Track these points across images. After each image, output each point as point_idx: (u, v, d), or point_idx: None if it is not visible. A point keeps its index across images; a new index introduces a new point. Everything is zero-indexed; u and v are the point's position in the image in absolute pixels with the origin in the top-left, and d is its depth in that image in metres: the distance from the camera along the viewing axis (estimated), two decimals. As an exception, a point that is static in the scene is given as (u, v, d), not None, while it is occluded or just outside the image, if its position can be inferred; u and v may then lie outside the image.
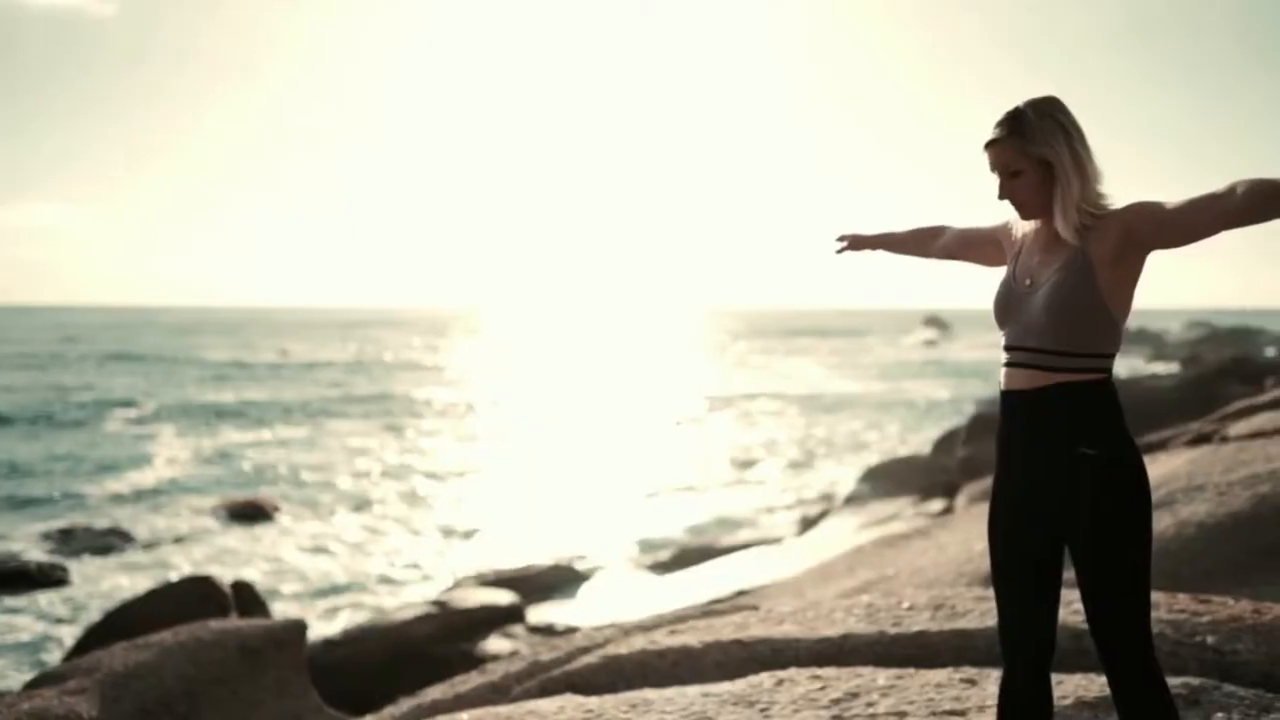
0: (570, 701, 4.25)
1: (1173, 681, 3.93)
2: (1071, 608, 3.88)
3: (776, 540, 19.89)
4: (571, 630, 13.89)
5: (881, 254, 3.46)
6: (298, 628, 5.55)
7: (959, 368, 76.41)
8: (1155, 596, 4.67)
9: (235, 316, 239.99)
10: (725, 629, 4.84)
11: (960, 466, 21.70)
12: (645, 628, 5.46)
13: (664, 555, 19.51)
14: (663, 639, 4.83)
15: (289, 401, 51.87)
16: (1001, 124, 2.77)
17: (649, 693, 4.21)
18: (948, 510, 17.94)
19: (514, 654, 11.45)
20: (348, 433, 40.67)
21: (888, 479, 22.97)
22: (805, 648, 4.50)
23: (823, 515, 21.67)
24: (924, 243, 3.35)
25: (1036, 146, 2.71)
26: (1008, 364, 2.83)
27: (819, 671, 4.18)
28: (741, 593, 13.84)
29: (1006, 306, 2.86)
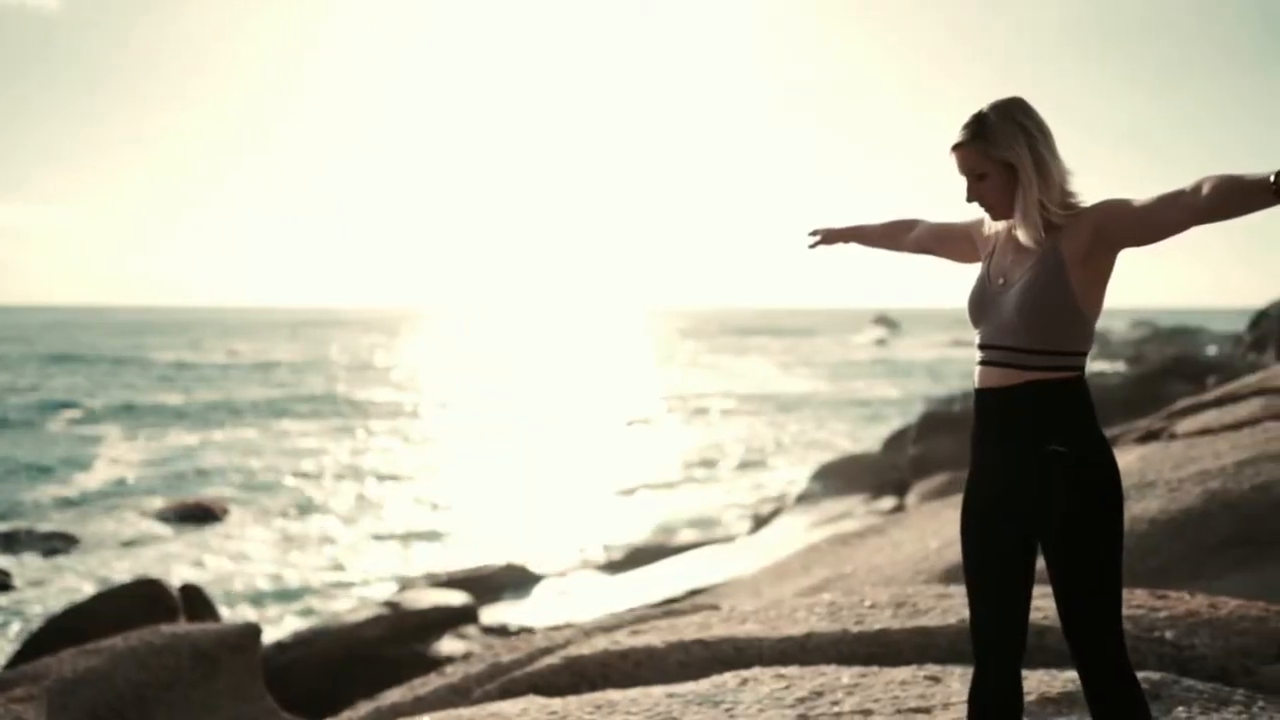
0: (533, 703, 4.20)
1: (1131, 676, 3.96)
2: (1032, 604, 3.88)
3: (729, 539, 19.93)
4: (525, 630, 13.82)
5: (854, 247, 3.45)
6: (252, 631, 5.46)
7: (909, 367, 77.02)
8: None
9: (184, 316, 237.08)
10: (688, 629, 4.82)
11: (911, 465, 21.88)
12: (606, 628, 5.42)
13: (616, 555, 19.49)
14: (625, 639, 4.80)
15: (237, 402, 51.27)
16: (965, 127, 2.78)
17: (613, 693, 4.18)
18: (899, 508, 18.06)
19: (473, 655, 11.39)
20: (297, 434, 40.26)
21: (839, 477, 23.08)
22: (768, 647, 4.49)
23: (775, 514, 21.74)
24: (896, 236, 3.34)
25: (998, 149, 2.73)
26: (981, 362, 2.84)
27: (783, 670, 4.16)
28: (695, 591, 13.85)
29: (980, 305, 2.87)
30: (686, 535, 21.24)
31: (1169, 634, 4.19)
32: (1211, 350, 44.30)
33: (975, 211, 2.90)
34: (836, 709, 3.73)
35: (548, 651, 5.16)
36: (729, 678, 4.14)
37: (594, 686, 4.49)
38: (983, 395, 2.82)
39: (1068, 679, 3.89)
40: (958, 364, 76.63)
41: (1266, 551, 6.79)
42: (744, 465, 32.64)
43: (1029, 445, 2.72)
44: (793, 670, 4.16)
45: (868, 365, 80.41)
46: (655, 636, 4.76)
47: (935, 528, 8.92)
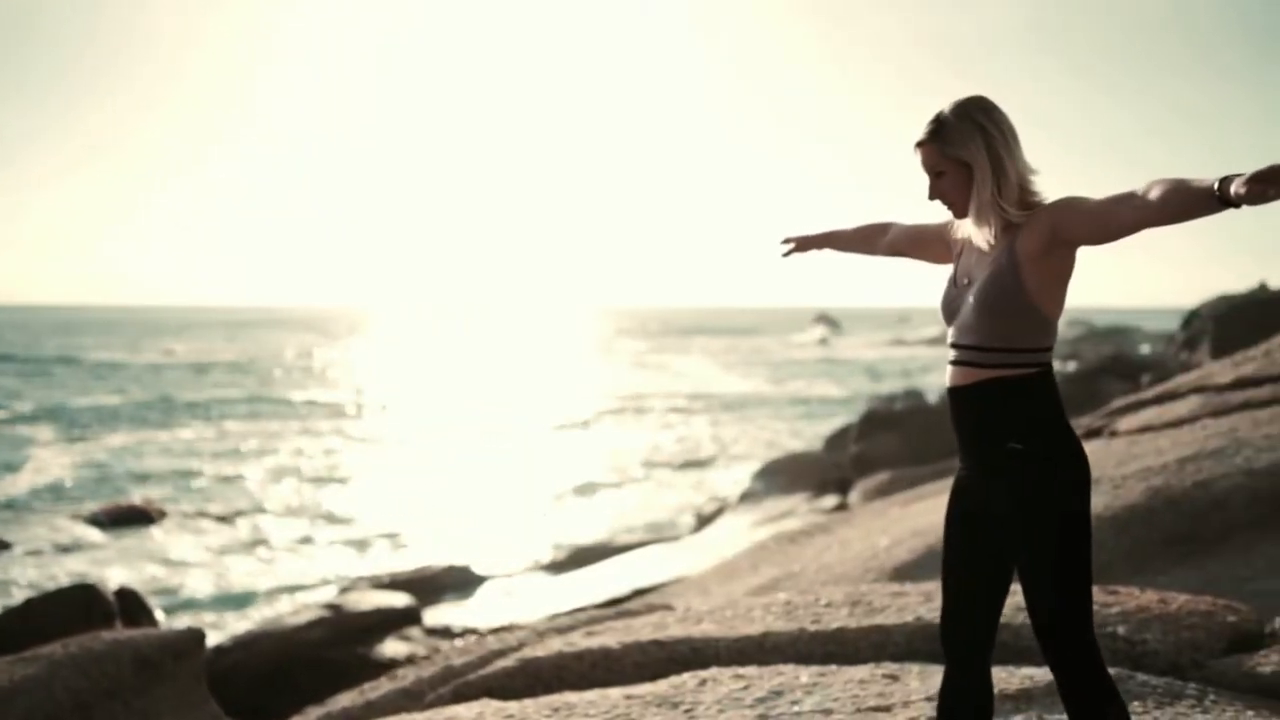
0: (489, 707, 4.14)
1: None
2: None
3: (673, 538, 19.93)
4: (470, 631, 13.73)
5: (828, 252, 3.44)
6: (195, 637, 5.33)
7: (850, 366, 77.63)
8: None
9: (119, 316, 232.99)
10: (643, 629, 4.78)
11: (852, 463, 22.03)
12: (560, 630, 5.37)
13: (560, 555, 19.42)
14: (580, 641, 4.75)
15: (173, 403, 50.45)
16: (927, 126, 2.80)
17: (570, 696, 4.13)
18: (841, 506, 18.17)
19: (424, 658, 11.26)
20: (235, 435, 39.69)
21: (781, 476, 23.17)
22: (725, 647, 4.47)
23: (718, 512, 21.78)
24: (870, 240, 3.34)
25: (954, 148, 2.74)
26: (950, 361, 2.85)
27: (741, 670, 4.14)
28: (641, 591, 13.82)
29: (948, 305, 2.89)
30: (630, 535, 21.22)
31: (1121, 629, 4.22)
32: (1145, 349, 45.13)
33: (946, 213, 2.90)
34: (796, 709, 3.71)
35: (501, 654, 5.09)
36: (687, 678, 4.11)
37: (549, 689, 4.44)
38: (951, 394, 2.85)
39: (1024, 676, 3.90)
40: (899, 362, 77.43)
41: (1208, 547, 6.88)
42: (687, 464, 32.69)
43: (991, 443, 2.74)
44: (751, 670, 4.14)
45: (810, 364, 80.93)
46: (611, 637, 4.71)
47: (882, 526, 8.97)
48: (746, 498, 22.28)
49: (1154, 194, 2.39)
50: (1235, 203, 2.21)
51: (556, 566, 18.73)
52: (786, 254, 3.48)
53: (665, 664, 4.42)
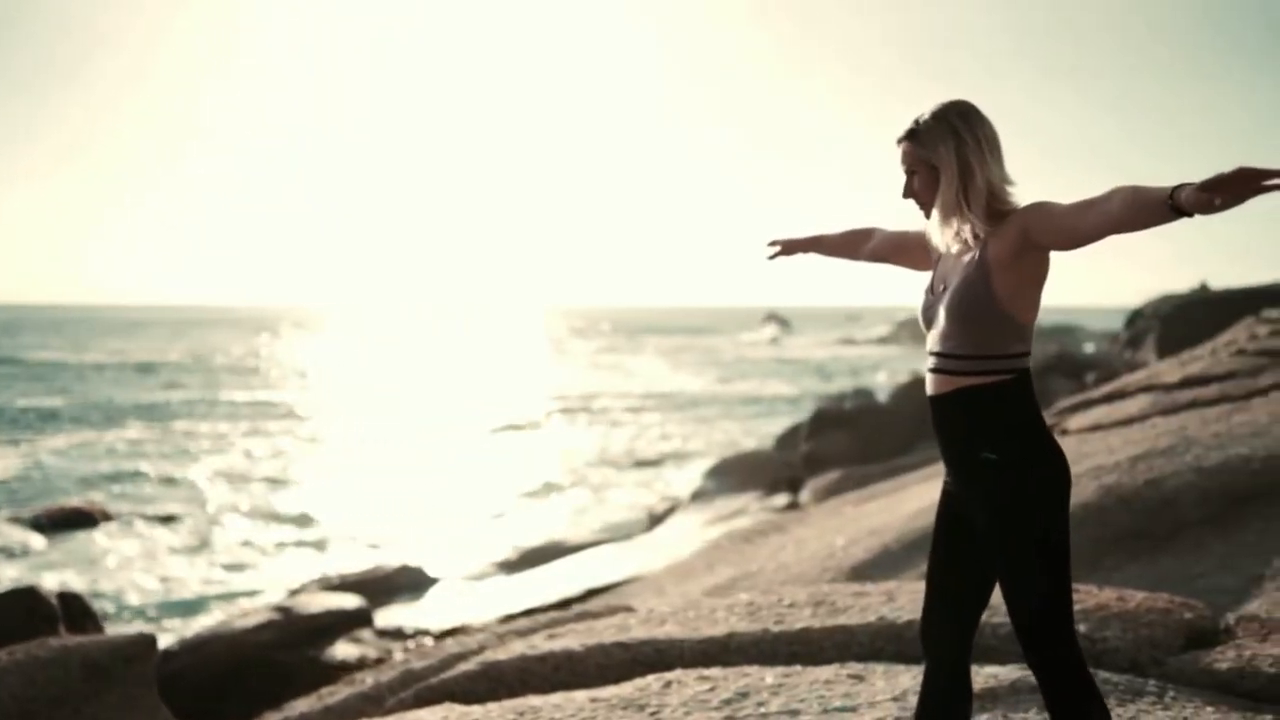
0: (452, 711, 4.09)
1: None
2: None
3: (625, 538, 19.90)
4: (422, 633, 13.62)
5: (813, 257, 3.44)
6: (146, 642, 5.22)
7: (800, 365, 78.01)
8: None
9: (59, 315, 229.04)
10: (606, 631, 4.74)
11: (803, 461, 22.14)
12: (521, 632, 5.31)
13: (512, 555, 19.31)
14: (542, 643, 4.70)
15: (117, 403, 49.65)
16: (907, 125, 2.82)
17: (534, 699, 4.08)
18: (792, 505, 18.24)
19: (381, 661, 11.14)
20: (180, 435, 39.14)
21: (733, 475, 23.23)
22: (689, 648, 4.44)
23: (670, 511, 21.78)
24: (854, 246, 3.34)
25: (924, 150, 2.76)
26: (928, 369, 2.86)
27: (706, 672, 4.12)
28: (594, 590, 13.78)
29: (926, 311, 2.89)
30: (582, 534, 21.14)
31: (1082, 627, 4.25)
32: (1089, 348, 45.81)
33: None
34: (763, 709, 3.70)
35: (461, 657, 5.03)
36: (652, 680, 4.08)
37: (512, 692, 4.40)
38: (930, 403, 2.85)
39: (988, 675, 3.92)
40: (848, 362, 77.94)
41: (1160, 544, 6.97)
42: (638, 463, 32.67)
43: (965, 451, 2.75)
44: (716, 671, 4.12)
45: (760, 363, 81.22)
46: (573, 639, 4.67)
47: (837, 525, 9.00)
48: (698, 497, 22.31)
49: (1114, 202, 2.41)
50: (1188, 211, 2.24)
51: (509, 566, 18.63)
52: (772, 257, 3.48)
53: (629, 666, 4.39)
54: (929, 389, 2.83)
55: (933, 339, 2.82)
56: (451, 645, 5.41)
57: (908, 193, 2.85)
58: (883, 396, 29.77)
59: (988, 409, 2.70)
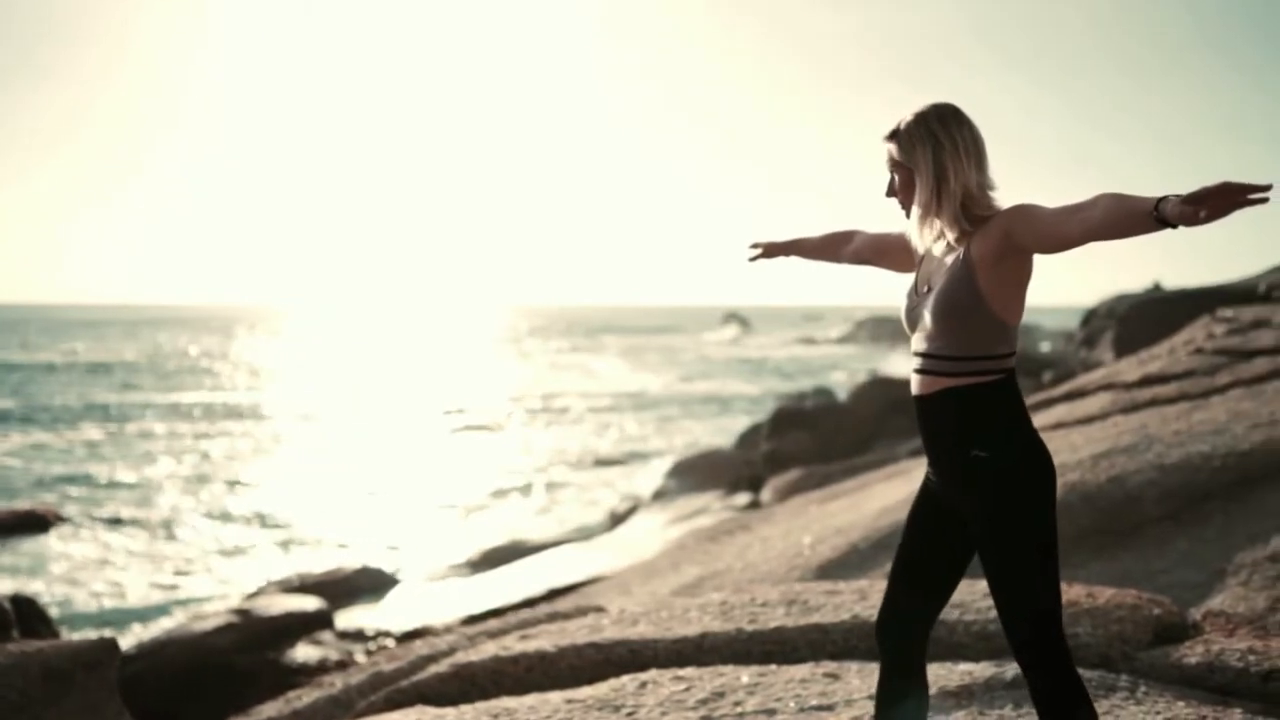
0: (425, 714, 4.04)
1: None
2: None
3: (586, 538, 19.86)
4: (383, 634, 13.52)
5: (794, 259, 3.45)
6: (108, 646, 5.11)
7: (761, 364, 78.24)
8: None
9: (11, 314, 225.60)
10: (578, 632, 4.71)
11: (764, 460, 22.20)
12: (493, 633, 5.27)
13: (474, 555, 19.24)
14: (514, 644, 4.66)
15: (72, 405, 48.95)
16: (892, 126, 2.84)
17: (508, 701, 4.04)
18: (754, 504, 18.29)
19: (347, 664, 11.03)
20: (136, 436, 38.64)
21: (694, 474, 23.28)
22: (663, 648, 4.42)
23: (631, 511, 21.79)
24: (835, 248, 3.34)
25: (900, 153, 2.78)
26: (913, 370, 2.86)
27: (680, 672, 4.10)
28: (556, 591, 13.74)
29: (910, 313, 2.89)
30: (544, 534, 21.08)
31: (1053, 624, 4.25)
32: (1046, 347, 46.26)
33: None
34: (739, 709, 3.68)
35: (432, 659, 4.98)
36: (627, 681, 4.05)
37: (485, 694, 4.35)
38: (916, 403, 2.86)
39: (963, 672, 3.92)
40: (808, 361, 78.28)
41: (1123, 541, 7.04)
42: (599, 463, 32.63)
43: (952, 451, 2.75)
44: (690, 671, 4.10)
45: (721, 363, 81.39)
46: (546, 640, 4.63)
47: (803, 524, 9.01)
48: (659, 496, 22.32)
49: (1098, 210, 2.42)
50: (1172, 223, 2.25)
51: (470, 567, 18.56)
52: (753, 259, 3.49)
53: (602, 666, 4.36)
54: (915, 389, 2.83)
55: (918, 340, 2.83)
56: (421, 647, 5.35)
57: (889, 192, 2.87)
58: (842, 396, 29.94)
59: (975, 409, 2.71)
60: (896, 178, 2.83)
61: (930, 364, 2.77)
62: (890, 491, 9.14)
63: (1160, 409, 9.02)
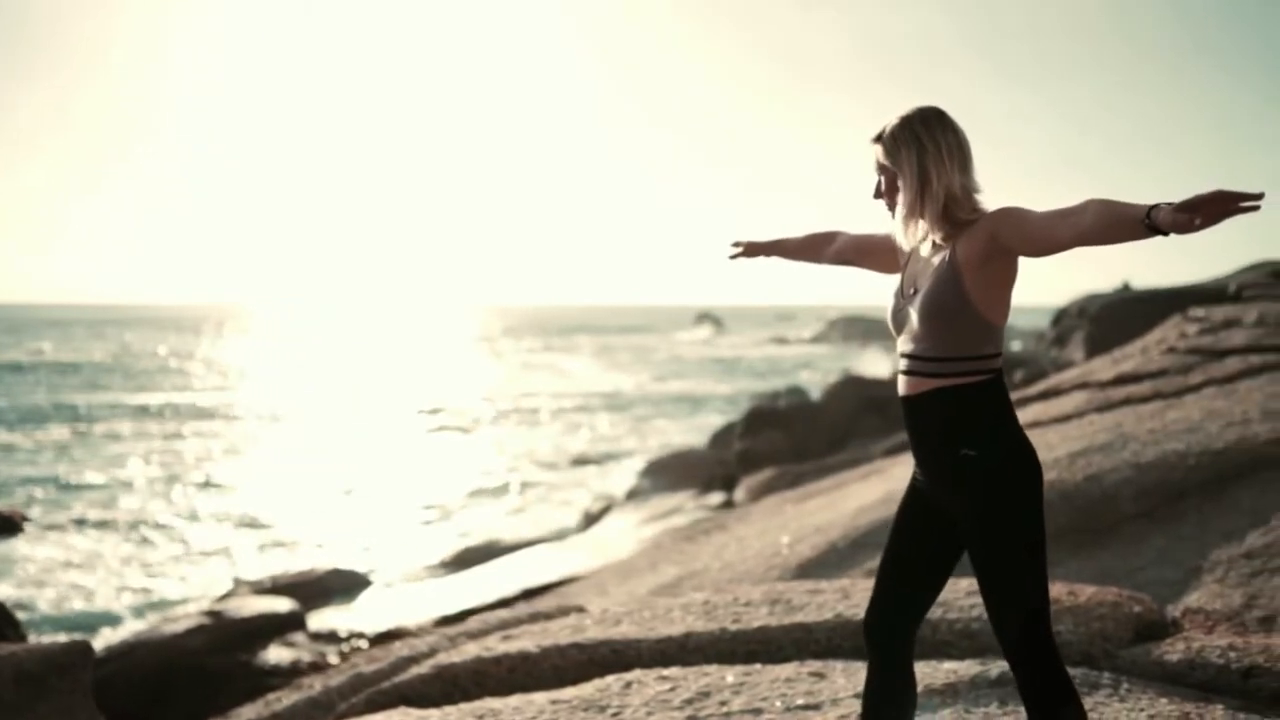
0: (407, 716, 4.00)
1: (1005, 665, 4.02)
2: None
3: (560, 538, 19.83)
4: (357, 635, 13.44)
5: (776, 260, 3.45)
6: (80, 649, 5.04)
7: (734, 363, 78.38)
8: (976, 583, 4.78)
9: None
10: (561, 632, 4.67)
11: (737, 460, 22.22)
12: (473, 634, 5.22)
13: (447, 556, 19.17)
14: (497, 645, 4.62)
15: (37, 405, 48.43)
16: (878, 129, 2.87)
17: (493, 702, 4.00)
18: (728, 503, 18.30)
19: (317, 665, 10.94)
20: (104, 437, 38.29)
21: (668, 473, 23.28)
22: (647, 648, 4.40)
23: (605, 511, 21.77)
24: (817, 248, 3.35)
25: (885, 155, 2.82)
26: (900, 371, 2.87)
27: (665, 672, 4.08)
28: (530, 591, 13.70)
29: (896, 314, 2.90)
30: (517, 534, 21.04)
31: (1036, 622, 4.26)
32: (1016, 346, 46.56)
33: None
34: (725, 709, 3.66)
35: (413, 660, 4.93)
36: (611, 681, 4.02)
37: (467, 695, 4.31)
38: (902, 403, 2.87)
39: (948, 670, 3.92)
40: (781, 361, 78.49)
41: (1100, 539, 7.06)
42: (573, 463, 32.59)
43: (942, 451, 2.76)
44: (675, 671, 4.08)
45: (694, 362, 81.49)
46: (529, 641, 4.60)
47: (780, 523, 9.01)
48: (633, 495, 22.32)
49: (1089, 216, 2.42)
50: (1164, 230, 2.26)
51: (444, 568, 18.49)
52: (733, 258, 3.49)
53: (586, 667, 4.33)
54: (902, 390, 2.84)
55: (904, 341, 2.84)
56: (401, 648, 5.30)
57: (877, 194, 2.90)
58: (815, 395, 30.01)
59: (964, 409, 2.72)
60: (883, 180, 2.86)
61: (917, 365, 2.78)
62: (867, 491, 9.15)
63: (1135, 408, 9.07)
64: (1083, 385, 10.55)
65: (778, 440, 23.31)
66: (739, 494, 18.47)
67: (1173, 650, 4.25)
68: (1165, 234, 2.26)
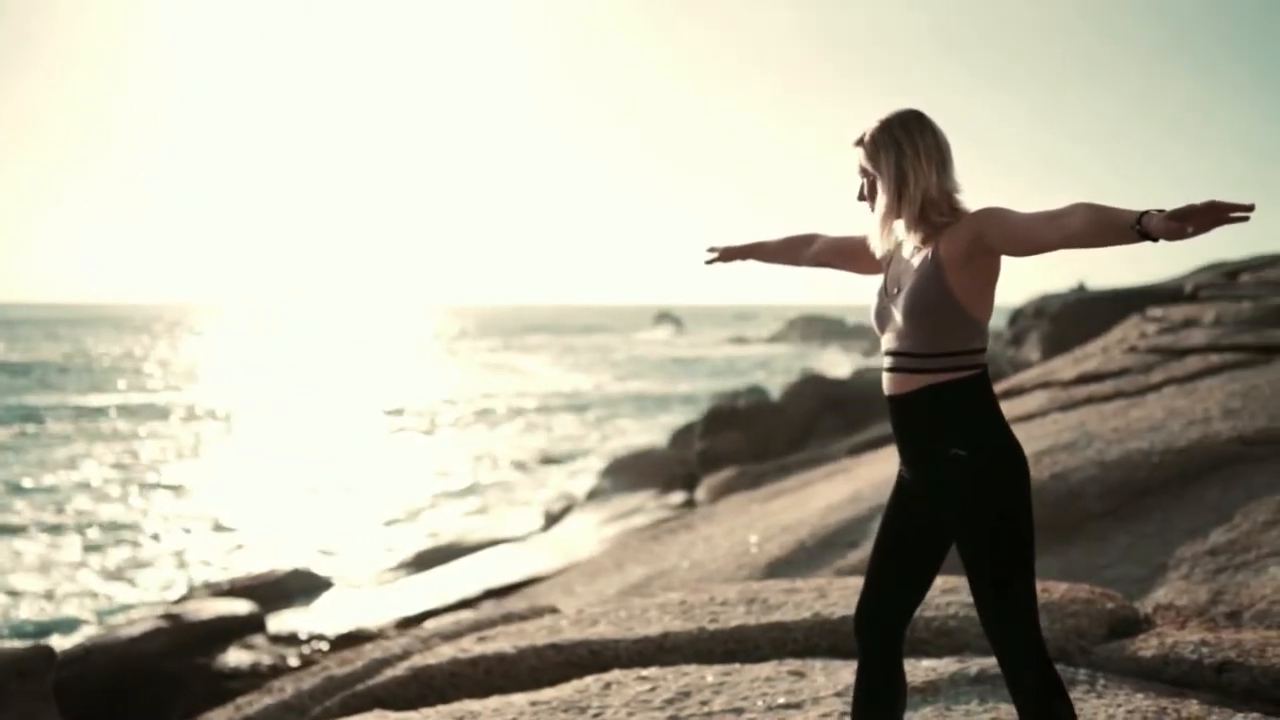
0: (384, 718, 3.94)
1: (986, 662, 4.03)
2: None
3: (521, 538, 19.75)
4: (318, 637, 13.31)
5: (752, 263, 3.45)
6: (43, 655, 4.93)
7: (694, 363, 78.48)
8: (950, 581, 4.80)
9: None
10: (537, 633, 4.63)
11: (698, 459, 22.24)
12: (448, 635, 5.17)
13: (407, 556, 19.05)
14: (473, 646, 4.57)
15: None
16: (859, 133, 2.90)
17: (471, 704, 3.96)
18: (689, 502, 18.32)
19: (278, 668, 10.81)
20: (58, 439, 37.72)
21: (628, 473, 23.25)
22: (624, 648, 4.37)
23: (566, 511, 21.71)
24: (796, 251, 3.36)
25: (868, 159, 2.84)
26: (885, 369, 2.88)
27: (644, 672, 4.05)
28: (492, 592, 13.63)
29: (880, 314, 2.91)
30: (478, 535, 20.92)
31: (1011, 619, 4.27)
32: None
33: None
34: (707, 709, 3.64)
35: (387, 663, 4.87)
36: (590, 682, 3.99)
37: (443, 697, 4.26)
38: (888, 402, 2.87)
39: (928, 668, 3.93)
40: (741, 360, 78.68)
41: (1067, 536, 7.12)
42: (534, 463, 32.49)
43: (929, 448, 2.77)
44: (654, 671, 4.05)
45: (654, 362, 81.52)
46: (505, 642, 4.55)
47: (747, 522, 9.01)
48: (594, 495, 22.26)
49: (1075, 219, 2.44)
50: (1154, 237, 2.28)
51: (405, 569, 18.36)
52: (709, 261, 3.50)
53: (563, 668, 4.30)
54: (888, 389, 2.84)
55: (889, 340, 2.85)
56: (373, 650, 5.24)
57: (860, 196, 2.92)
58: (775, 395, 30.09)
59: (955, 405, 2.73)
60: (866, 184, 2.89)
61: (904, 361, 2.79)
62: (833, 490, 9.17)
63: (1097, 406, 9.15)
64: (1045, 384, 10.63)
65: (738, 440, 23.35)
66: (700, 493, 18.48)
67: (1146, 646, 4.28)
68: (1155, 240, 2.28)
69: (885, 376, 2.85)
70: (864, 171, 2.87)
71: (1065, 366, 11.29)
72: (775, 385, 37.72)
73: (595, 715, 3.68)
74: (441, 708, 3.99)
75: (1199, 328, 11.26)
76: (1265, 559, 6.27)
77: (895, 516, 2.91)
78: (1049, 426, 8.76)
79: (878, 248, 2.87)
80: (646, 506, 19.58)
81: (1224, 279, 15.42)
